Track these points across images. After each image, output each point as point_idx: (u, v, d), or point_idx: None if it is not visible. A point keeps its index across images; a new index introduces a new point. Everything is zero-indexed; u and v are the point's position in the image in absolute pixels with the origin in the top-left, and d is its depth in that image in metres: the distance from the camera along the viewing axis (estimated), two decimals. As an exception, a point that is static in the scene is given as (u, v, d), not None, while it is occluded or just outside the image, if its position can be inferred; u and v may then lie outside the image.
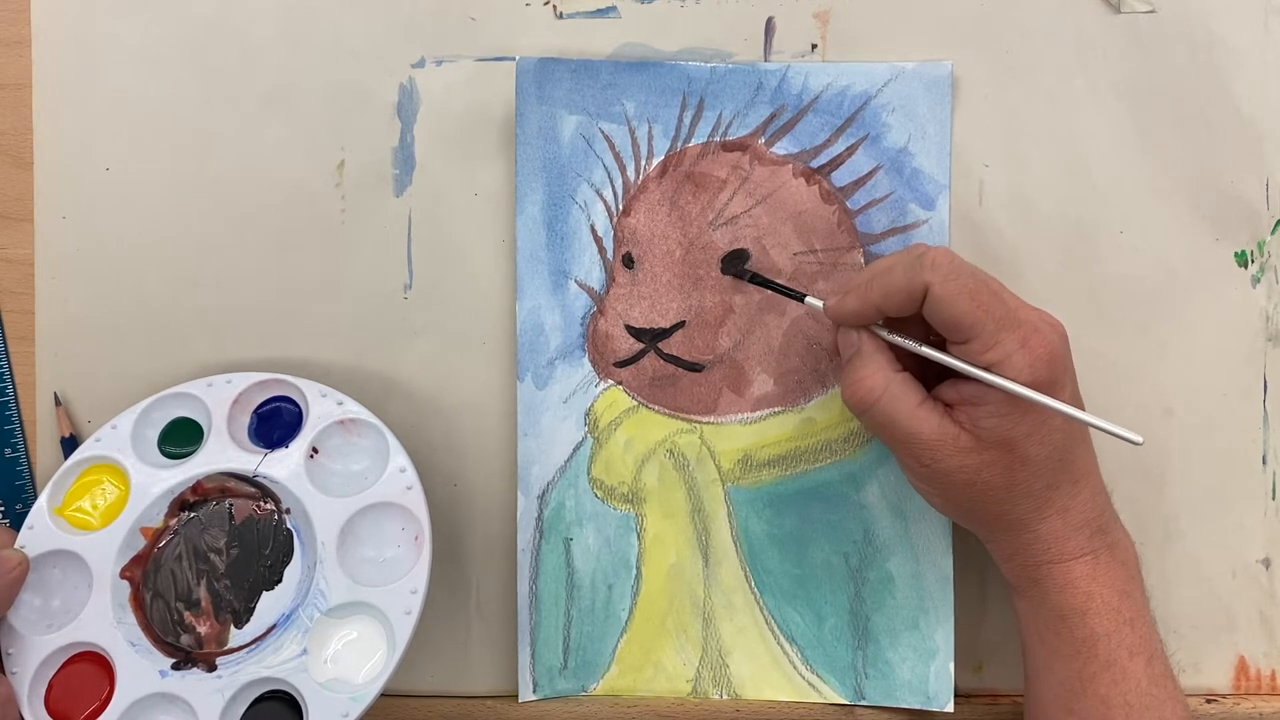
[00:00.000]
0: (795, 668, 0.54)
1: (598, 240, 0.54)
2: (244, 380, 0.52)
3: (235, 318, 0.55)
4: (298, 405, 0.52)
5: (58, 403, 0.55)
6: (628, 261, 0.54)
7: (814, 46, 0.54)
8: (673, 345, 0.54)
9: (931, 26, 0.54)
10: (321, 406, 0.51)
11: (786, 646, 0.54)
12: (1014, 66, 0.54)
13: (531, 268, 0.54)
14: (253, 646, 0.48)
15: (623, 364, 0.54)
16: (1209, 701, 0.55)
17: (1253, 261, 0.54)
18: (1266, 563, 0.55)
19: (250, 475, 0.50)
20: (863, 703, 0.54)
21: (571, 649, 0.54)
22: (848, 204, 0.53)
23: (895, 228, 0.53)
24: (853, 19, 0.54)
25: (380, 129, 0.55)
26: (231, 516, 0.51)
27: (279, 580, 0.49)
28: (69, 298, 0.55)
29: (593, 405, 0.54)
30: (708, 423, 0.54)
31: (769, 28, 0.54)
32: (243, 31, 0.55)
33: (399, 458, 0.50)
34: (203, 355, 0.55)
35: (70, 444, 0.54)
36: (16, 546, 0.49)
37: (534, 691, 0.54)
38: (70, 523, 0.50)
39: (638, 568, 0.54)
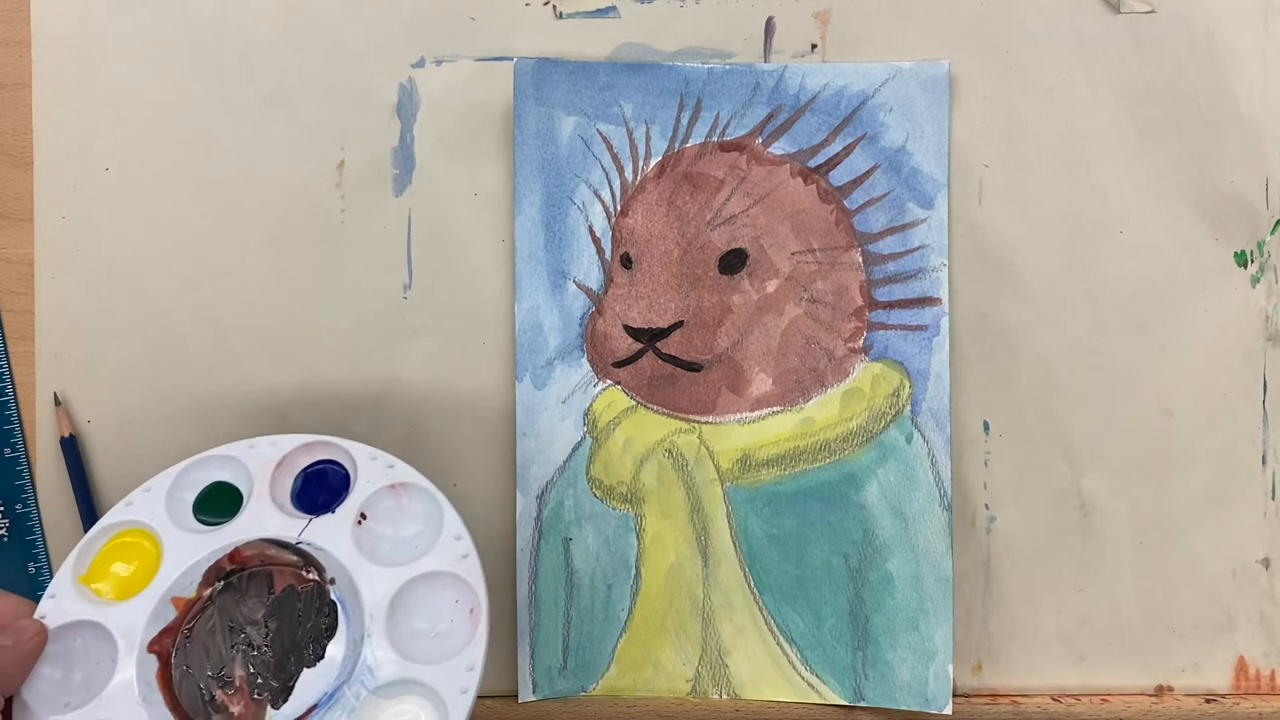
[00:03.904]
0: (795, 668, 0.54)
1: (596, 241, 0.54)
2: (289, 442, 0.49)
3: (235, 317, 0.55)
4: (344, 468, 0.49)
5: (58, 403, 0.55)
6: (626, 262, 0.54)
7: (814, 46, 0.54)
8: (671, 345, 0.54)
9: (931, 26, 0.54)
10: (371, 470, 0.48)
11: (786, 647, 0.54)
12: (1014, 66, 0.54)
13: (530, 268, 0.54)
14: None
15: (621, 364, 0.54)
16: (1209, 701, 0.55)
17: (1252, 261, 0.54)
18: (1266, 563, 0.55)
19: (293, 543, 0.47)
20: (862, 704, 0.53)
21: (571, 649, 0.54)
22: (845, 203, 0.54)
23: (894, 226, 0.53)
24: (853, 19, 0.54)
25: (380, 129, 0.55)
26: (271, 586, 0.47)
27: (321, 656, 0.45)
28: (69, 298, 0.55)
29: (591, 405, 0.54)
30: (706, 422, 0.54)
31: (769, 28, 0.54)
32: (243, 31, 0.55)
33: (454, 524, 0.46)
34: (203, 355, 0.55)
35: (70, 444, 0.54)
36: (36, 616, 0.45)
37: (534, 692, 0.54)
38: (95, 592, 0.46)
39: (637, 568, 0.54)
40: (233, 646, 0.46)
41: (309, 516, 0.47)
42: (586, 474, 0.54)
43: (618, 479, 0.54)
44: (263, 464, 0.48)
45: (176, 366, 0.55)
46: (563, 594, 0.54)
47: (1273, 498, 0.55)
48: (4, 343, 0.55)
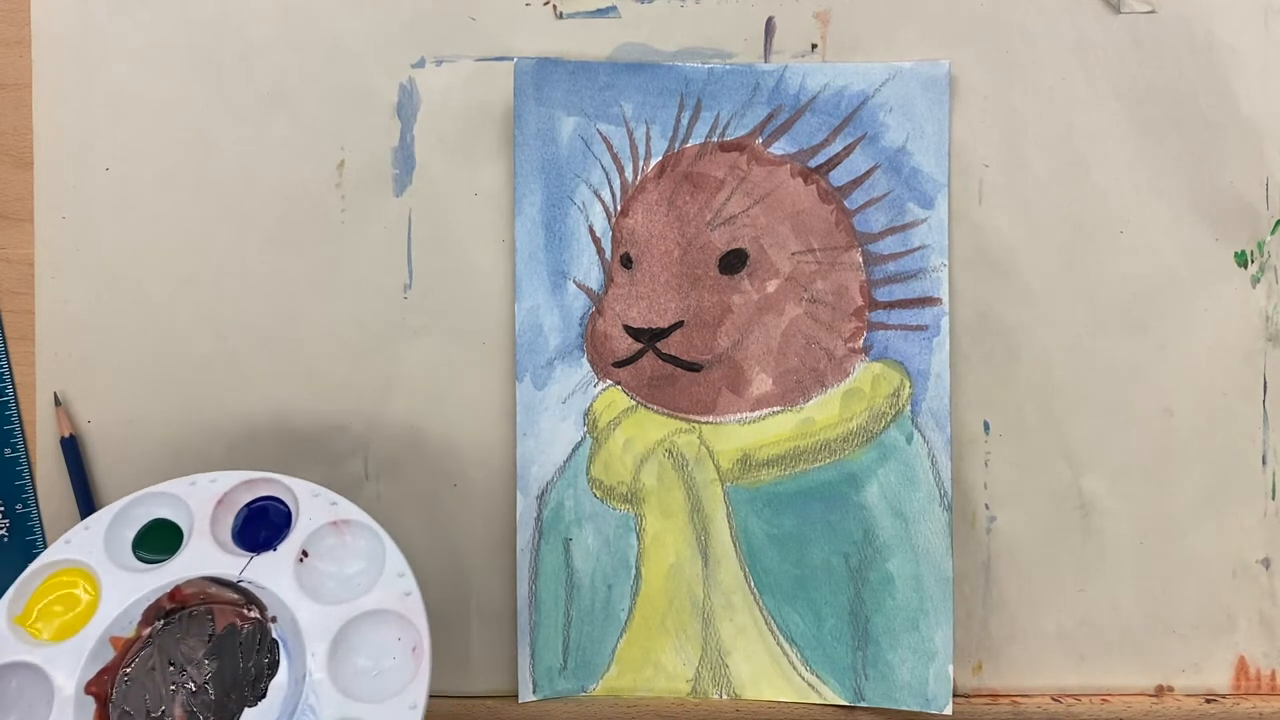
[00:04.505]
0: (795, 668, 0.54)
1: (596, 241, 0.54)
2: (230, 479, 0.48)
3: (235, 317, 0.55)
4: (286, 505, 0.49)
5: (58, 403, 0.55)
6: (626, 262, 0.54)
7: (814, 46, 0.54)
8: (671, 345, 0.54)
9: (932, 26, 0.54)
10: (313, 507, 0.48)
11: (786, 647, 0.54)
12: (1014, 66, 0.54)
13: (530, 268, 0.54)
14: None
15: (621, 364, 0.54)
16: (1209, 701, 0.55)
17: (1253, 261, 0.54)
18: (1266, 563, 0.55)
19: (234, 580, 0.46)
20: (862, 704, 0.53)
21: (571, 649, 0.54)
22: (845, 203, 0.54)
23: (894, 226, 0.53)
24: (853, 19, 0.54)
25: (380, 129, 0.55)
26: (212, 625, 0.46)
27: (263, 695, 0.44)
28: (69, 298, 0.55)
29: (592, 405, 0.54)
30: (706, 422, 0.54)
31: (769, 28, 0.54)
32: (243, 32, 0.55)
33: (396, 561, 0.46)
34: (203, 355, 0.55)
35: (70, 444, 0.54)
36: None
37: (534, 692, 0.54)
38: (31, 633, 0.45)
39: (637, 568, 0.54)
40: (173, 686, 0.45)
41: (250, 554, 0.47)
42: (587, 474, 0.54)
43: (618, 479, 0.54)
44: (203, 501, 0.48)
45: (176, 366, 0.55)
46: (563, 594, 0.54)
47: (1273, 498, 0.55)
48: (4, 343, 0.55)
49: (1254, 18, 0.54)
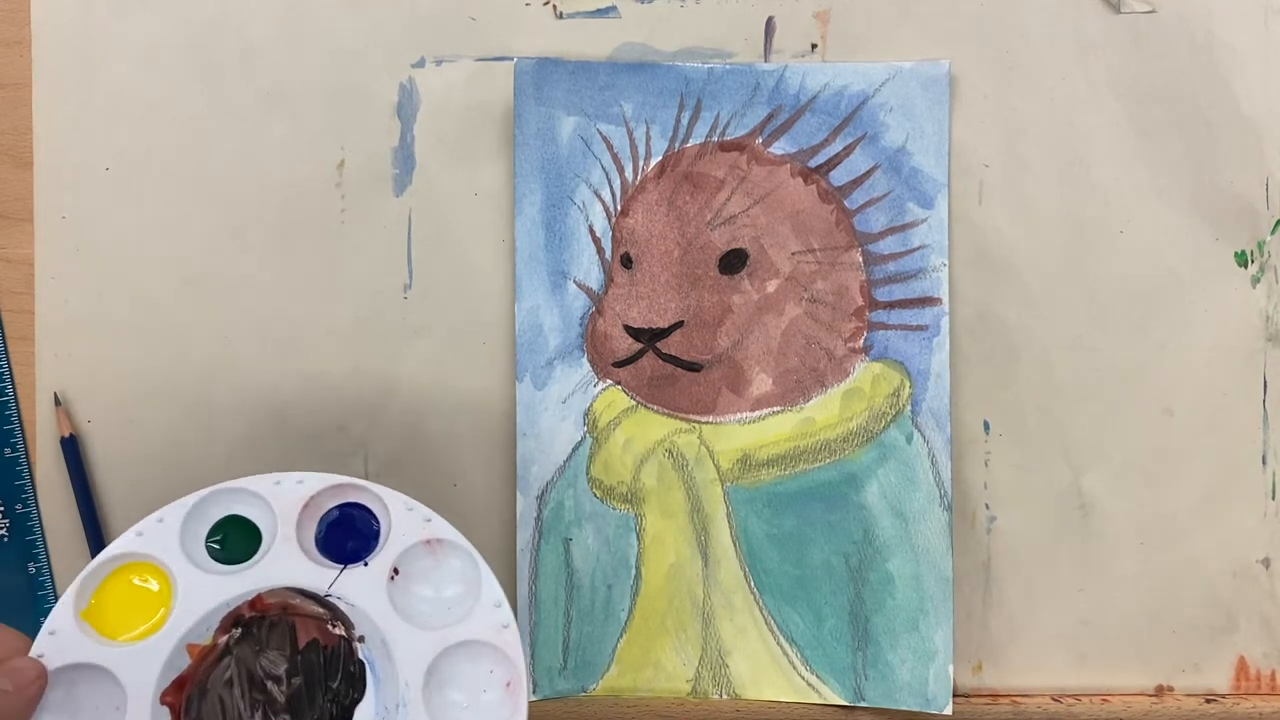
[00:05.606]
0: (795, 668, 0.54)
1: (596, 241, 0.54)
2: (318, 481, 0.44)
3: (235, 317, 0.55)
4: (372, 514, 0.45)
5: (58, 403, 0.55)
6: (626, 262, 0.54)
7: (814, 46, 0.54)
8: (671, 345, 0.54)
9: (932, 26, 0.54)
10: (406, 521, 0.44)
11: (786, 647, 0.54)
12: (1014, 66, 0.54)
13: (530, 268, 0.54)
14: None
15: (621, 364, 0.54)
16: (1209, 701, 0.55)
17: (1253, 261, 0.54)
18: (1266, 563, 0.55)
19: (324, 594, 0.43)
20: (862, 704, 0.53)
21: (571, 649, 0.54)
22: (845, 203, 0.54)
23: (894, 226, 0.53)
24: (853, 19, 0.54)
25: (380, 129, 0.55)
26: (294, 639, 0.43)
27: (348, 719, 0.42)
28: (69, 298, 0.55)
29: (592, 405, 0.54)
30: (706, 422, 0.54)
31: (769, 28, 0.54)
32: (243, 31, 0.55)
33: (493, 590, 0.43)
34: (203, 355, 0.55)
35: (70, 444, 0.54)
36: (33, 655, 0.40)
37: (534, 692, 0.54)
38: (100, 631, 0.41)
39: (637, 568, 0.54)
40: (252, 702, 0.42)
41: (339, 566, 0.43)
42: (587, 474, 0.54)
43: (618, 479, 0.54)
44: (289, 503, 0.44)
45: (177, 366, 0.55)
46: (563, 594, 0.54)
47: (1273, 498, 0.55)
48: (4, 343, 0.55)
49: (1254, 18, 0.54)
